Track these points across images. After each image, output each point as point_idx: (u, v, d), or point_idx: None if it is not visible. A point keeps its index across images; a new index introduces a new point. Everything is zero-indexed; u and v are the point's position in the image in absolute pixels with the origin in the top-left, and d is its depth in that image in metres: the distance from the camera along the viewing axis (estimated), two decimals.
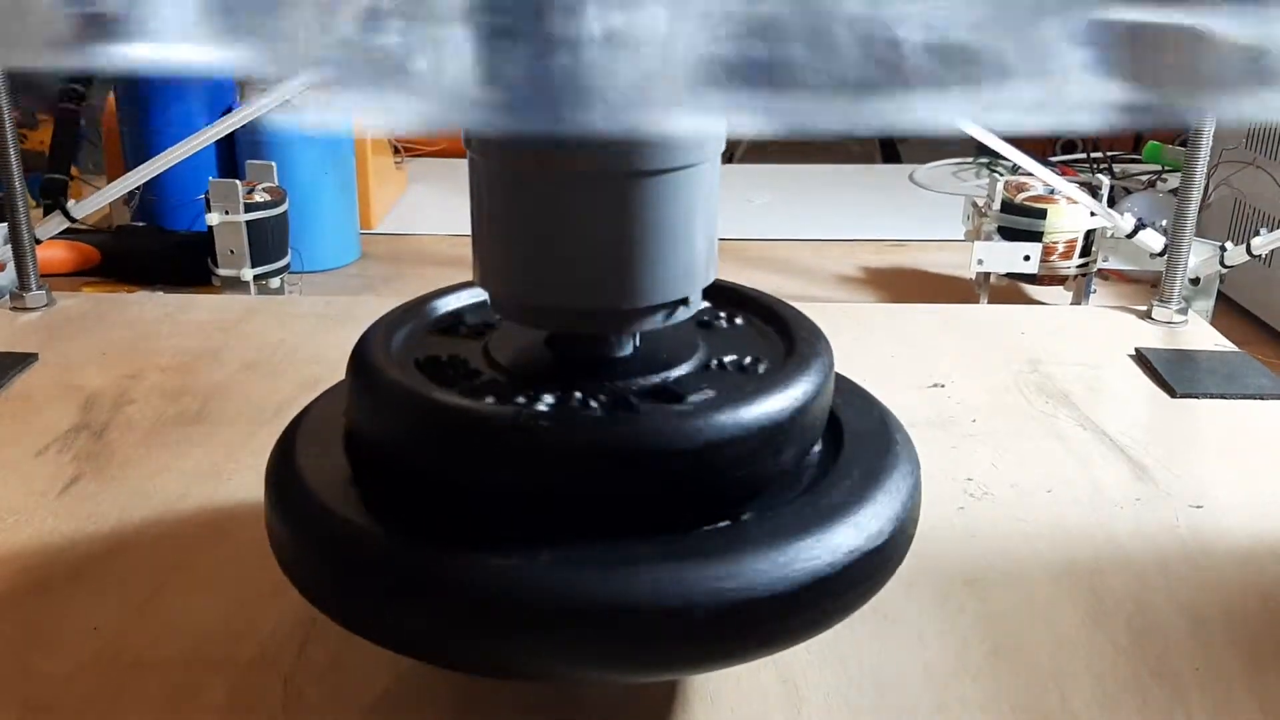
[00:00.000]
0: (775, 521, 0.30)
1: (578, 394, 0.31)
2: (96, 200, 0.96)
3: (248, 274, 1.30)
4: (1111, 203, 1.53)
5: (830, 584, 0.30)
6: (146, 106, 1.52)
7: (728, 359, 0.34)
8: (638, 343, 0.34)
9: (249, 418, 0.56)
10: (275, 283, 1.36)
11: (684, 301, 0.32)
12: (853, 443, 0.35)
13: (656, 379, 0.32)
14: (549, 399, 0.31)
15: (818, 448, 0.35)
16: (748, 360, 0.34)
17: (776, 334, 0.36)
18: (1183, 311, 0.73)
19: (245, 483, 0.50)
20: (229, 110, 1.15)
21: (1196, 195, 0.71)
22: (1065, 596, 0.43)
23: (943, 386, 0.62)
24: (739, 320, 0.38)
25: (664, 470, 0.29)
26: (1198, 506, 0.50)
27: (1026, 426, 0.58)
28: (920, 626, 0.41)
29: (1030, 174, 1.02)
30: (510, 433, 0.29)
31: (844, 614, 0.32)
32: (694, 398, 0.31)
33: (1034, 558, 0.46)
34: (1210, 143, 0.71)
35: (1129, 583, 0.44)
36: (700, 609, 0.28)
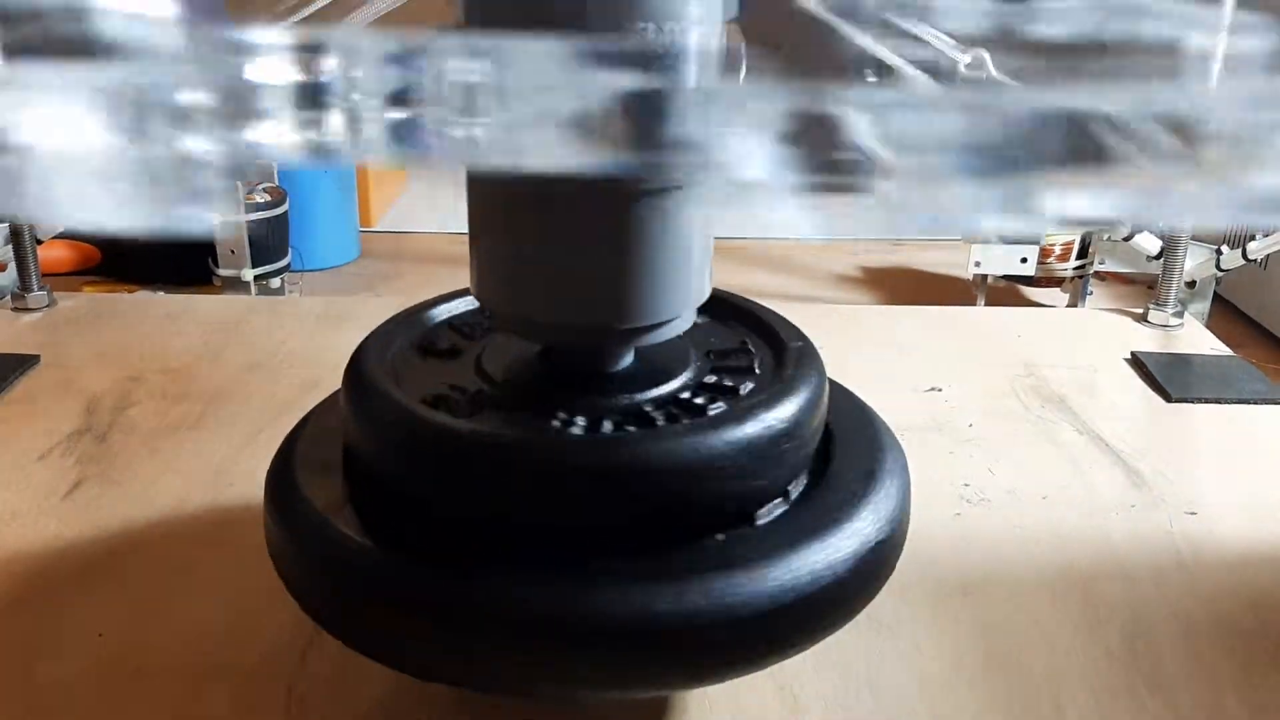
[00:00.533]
0: (773, 535, 0.31)
1: (573, 413, 0.31)
2: None
3: (248, 274, 1.30)
4: None
5: (833, 590, 0.30)
6: None
7: (721, 373, 0.35)
8: (632, 357, 0.34)
9: (251, 420, 0.57)
10: (275, 282, 1.37)
11: (680, 317, 0.32)
12: (843, 452, 0.35)
13: (648, 396, 0.33)
14: (546, 417, 0.31)
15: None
16: (741, 374, 0.35)
17: (767, 346, 0.37)
18: (1179, 315, 0.74)
19: (247, 486, 0.50)
20: None
21: None
22: (1061, 604, 0.43)
23: (940, 390, 0.63)
24: (731, 332, 0.38)
25: (658, 488, 0.30)
26: (1191, 513, 0.50)
27: (1023, 431, 0.58)
28: (917, 634, 0.41)
29: None
30: (510, 454, 0.30)
31: (848, 617, 0.32)
32: (689, 416, 0.32)
33: (1030, 565, 0.46)
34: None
35: (1123, 590, 0.44)
36: (698, 624, 0.28)
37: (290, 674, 0.38)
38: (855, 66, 0.27)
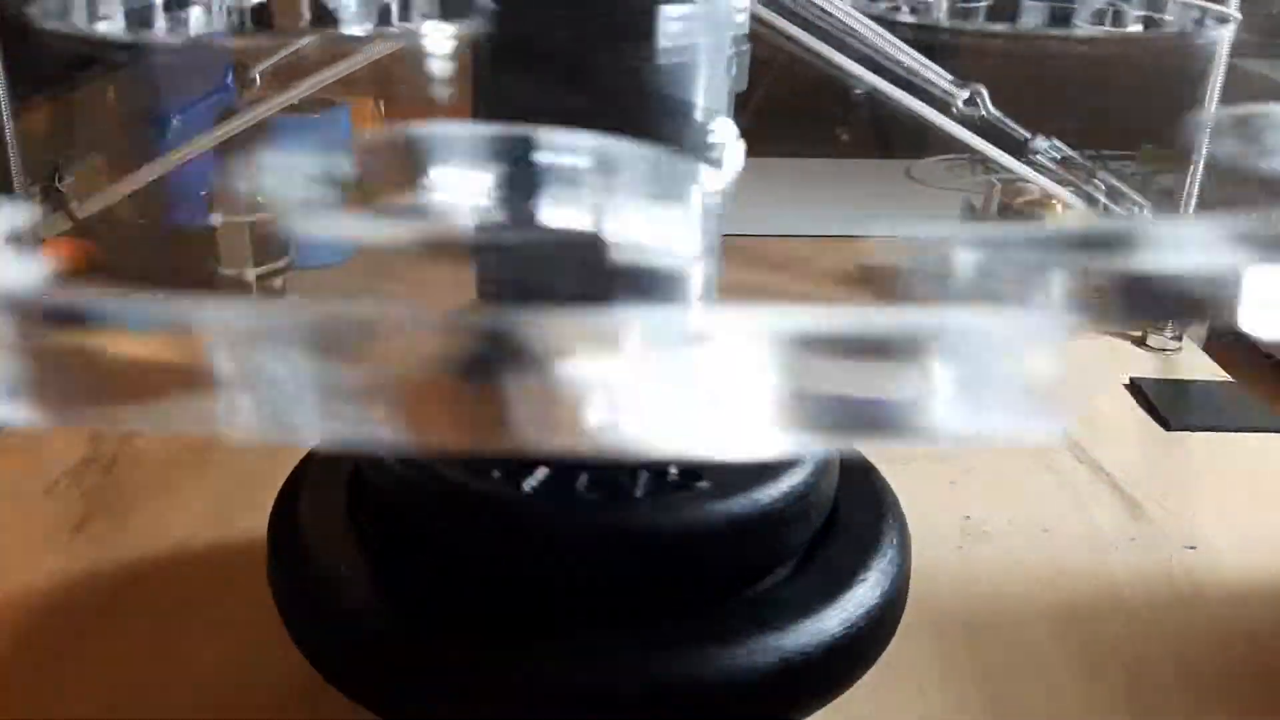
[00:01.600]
0: (783, 597, 0.31)
1: (580, 473, 0.31)
2: (100, 201, 0.96)
3: (250, 274, 1.30)
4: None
5: (847, 649, 0.31)
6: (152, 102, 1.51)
7: None
8: None
9: (257, 449, 0.57)
10: (278, 283, 1.36)
11: None
12: (846, 508, 0.35)
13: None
14: (548, 477, 0.31)
15: None
16: None
17: None
18: (1177, 338, 0.74)
19: (254, 520, 0.50)
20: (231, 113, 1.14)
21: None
22: (1061, 642, 0.44)
23: None
24: None
25: (670, 552, 0.30)
26: (1191, 547, 0.51)
27: (1024, 460, 0.58)
28: (919, 673, 0.42)
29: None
30: (518, 515, 0.30)
31: (865, 669, 0.33)
32: (702, 479, 0.32)
33: (1031, 601, 0.47)
34: (1200, 171, 0.71)
35: (1124, 627, 0.45)
36: (712, 686, 0.29)
37: (299, 718, 0.38)
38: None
